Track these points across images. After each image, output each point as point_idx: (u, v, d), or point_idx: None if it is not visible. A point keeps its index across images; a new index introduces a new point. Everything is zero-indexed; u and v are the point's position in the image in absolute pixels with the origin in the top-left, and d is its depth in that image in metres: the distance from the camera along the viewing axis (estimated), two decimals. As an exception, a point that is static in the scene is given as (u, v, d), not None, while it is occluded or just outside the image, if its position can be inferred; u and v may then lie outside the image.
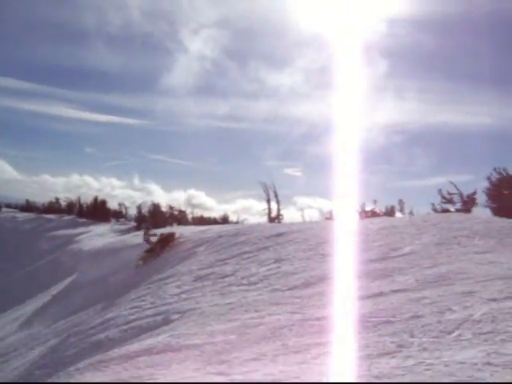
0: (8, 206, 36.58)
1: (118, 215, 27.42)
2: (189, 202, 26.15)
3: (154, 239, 14.67)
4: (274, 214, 17.97)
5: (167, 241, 13.99)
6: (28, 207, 34.69)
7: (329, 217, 16.44)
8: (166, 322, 5.89)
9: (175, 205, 23.61)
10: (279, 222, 17.34)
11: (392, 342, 3.58)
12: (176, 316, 5.90)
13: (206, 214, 24.55)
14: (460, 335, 3.59)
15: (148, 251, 13.97)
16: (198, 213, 24.25)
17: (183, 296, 6.85)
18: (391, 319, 4.15)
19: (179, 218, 22.72)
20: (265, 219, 18.32)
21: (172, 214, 22.76)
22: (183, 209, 23.68)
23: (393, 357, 3.29)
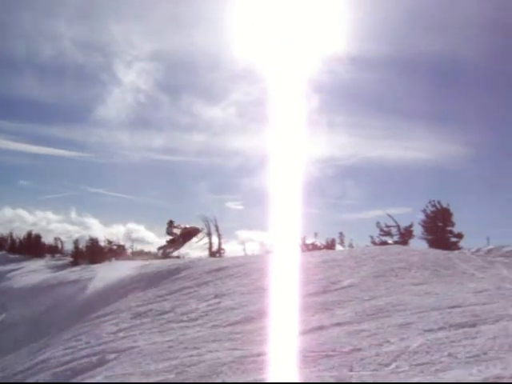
0: None
1: (54, 250, 26.39)
2: (128, 236, 25.58)
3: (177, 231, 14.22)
4: (215, 248, 17.84)
5: (190, 234, 13.67)
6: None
7: (270, 251, 16.49)
8: (102, 362, 5.64)
9: (114, 239, 23.00)
10: (220, 256, 17.22)
11: (331, 377, 3.58)
12: (112, 356, 5.66)
13: (147, 249, 24.04)
14: (397, 367, 3.63)
15: (170, 241, 13.54)
16: (138, 247, 23.71)
17: (120, 334, 6.60)
18: (331, 353, 4.15)
19: (118, 252, 22.12)
20: (206, 253, 18.16)
21: (111, 249, 22.13)
22: (122, 243, 23.09)
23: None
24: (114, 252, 21.95)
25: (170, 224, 15.58)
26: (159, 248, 13.07)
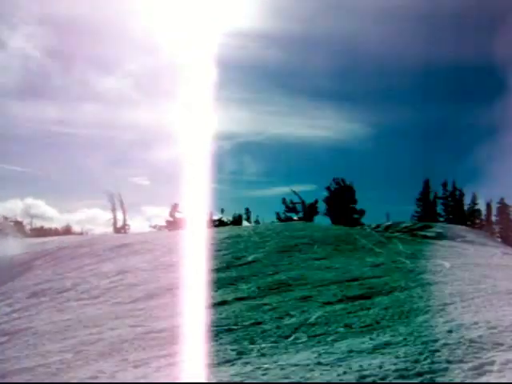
0: None
1: None
2: (27, 212, 24.26)
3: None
4: (120, 224, 17.42)
5: None
6: None
7: (176, 226, 16.37)
8: (-6, 344, 5.34)
9: (11, 215, 21.77)
10: (125, 232, 16.86)
11: (233, 350, 3.63)
12: (5, 338, 5.37)
13: (47, 225, 23.01)
14: (296, 339, 3.76)
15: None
16: (38, 223, 22.64)
17: (15, 315, 6.28)
18: (233, 327, 4.21)
19: (15, 229, 20.97)
20: (111, 230, 17.70)
21: (7, 226, 20.94)
22: (20, 219, 21.92)
23: (233, 364, 3.32)
24: (10, 229, 20.79)
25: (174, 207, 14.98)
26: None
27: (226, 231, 10.42)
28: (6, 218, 20.95)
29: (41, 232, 20.92)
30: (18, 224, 21.32)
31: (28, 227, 21.55)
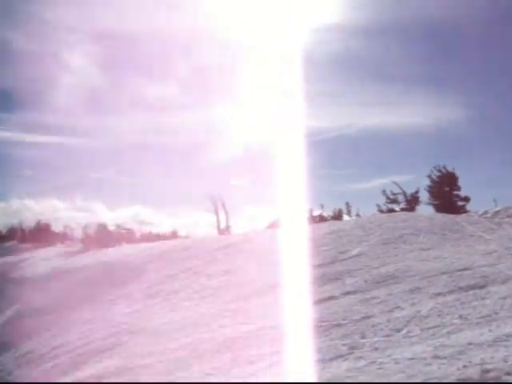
0: None
1: (64, 238, 26.60)
2: (136, 219, 25.67)
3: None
4: (223, 225, 17.91)
5: None
6: (-34, 236, 33.16)
7: (277, 225, 16.53)
8: (118, 343, 5.72)
9: (122, 223, 23.12)
10: (229, 233, 17.29)
11: (344, 345, 3.60)
12: (127, 337, 5.74)
13: (154, 230, 24.18)
14: (409, 332, 3.65)
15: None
16: (146, 229, 23.85)
17: (134, 315, 6.69)
18: (342, 322, 4.18)
19: (127, 236, 22.27)
20: (215, 231, 18.24)
21: (120, 233, 22.28)
22: (130, 226, 23.22)
23: (345, 359, 3.30)
24: (123, 236, 22.10)
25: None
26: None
27: (328, 226, 10.36)
28: (118, 226, 22.25)
29: (150, 237, 22.04)
30: (130, 230, 22.58)
31: (138, 233, 22.76)
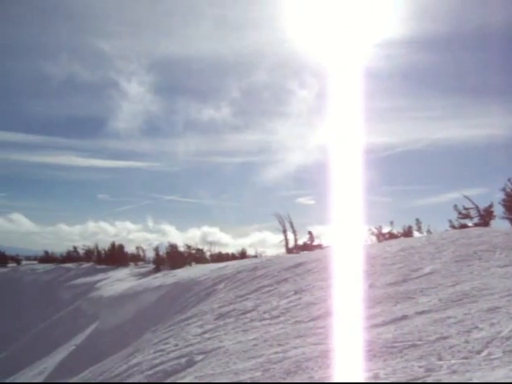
0: (27, 258, 37.01)
1: (136, 259, 27.46)
2: (204, 240, 26.06)
3: None
4: (291, 244, 17.87)
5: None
6: (47, 258, 34.97)
7: (346, 243, 16.33)
8: (191, 363, 5.83)
9: (191, 243, 23.58)
10: (297, 252, 17.24)
11: (420, 367, 3.51)
12: (200, 357, 5.83)
13: (223, 250, 24.49)
14: (489, 354, 3.51)
15: None
16: (215, 249, 24.19)
17: (206, 336, 6.78)
18: (417, 342, 4.07)
19: (197, 256, 22.68)
20: (283, 250, 18.22)
21: (190, 254, 22.72)
22: (200, 247, 23.64)
23: (422, 382, 3.22)
24: (193, 256, 22.52)
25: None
26: None
27: (398, 243, 10.13)
28: (188, 247, 22.72)
29: (219, 257, 22.32)
30: (199, 251, 22.98)
31: (208, 253, 23.13)
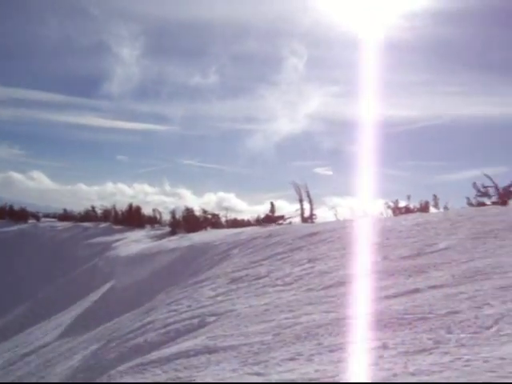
0: (46, 215, 37.65)
1: (153, 221, 27.72)
2: (219, 205, 26.19)
3: None
4: (306, 214, 17.90)
5: None
6: (65, 216, 35.49)
7: (361, 215, 16.30)
8: (203, 324, 5.95)
9: (207, 208, 23.71)
10: (312, 222, 17.28)
11: (429, 339, 3.55)
12: (212, 318, 5.95)
13: (238, 217, 24.59)
14: (499, 330, 3.53)
15: None
16: (231, 215, 24.31)
17: (219, 298, 6.91)
18: (427, 315, 4.11)
19: (213, 221, 22.84)
20: (298, 220, 18.26)
21: (206, 218, 22.89)
22: (216, 212, 23.78)
23: (430, 353, 3.26)
24: (209, 221, 22.69)
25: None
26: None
27: (414, 218, 10.10)
28: (205, 211, 22.87)
29: (235, 223, 22.46)
30: (215, 216, 23.13)
31: (224, 219, 23.26)
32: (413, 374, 2.93)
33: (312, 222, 16.92)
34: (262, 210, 20.91)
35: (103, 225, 29.64)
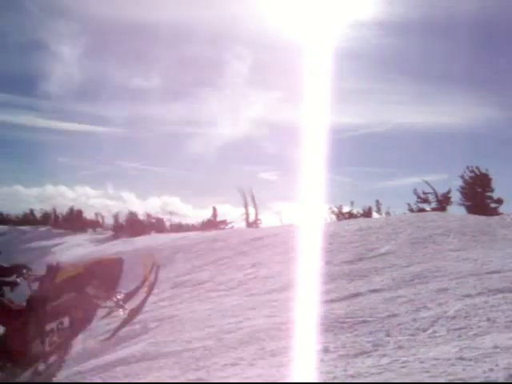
0: (-20, 219, 36.02)
1: (95, 225, 27.07)
2: (164, 209, 25.87)
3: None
4: (251, 218, 17.94)
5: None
6: (1, 219, 34.08)
7: (306, 220, 16.49)
8: (145, 330, 5.84)
9: (152, 213, 23.39)
10: (257, 226, 17.33)
11: (368, 342, 3.61)
12: (154, 324, 5.85)
13: (183, 221, 24.35)
14: (435, 332, 3.64)
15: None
16: (175, 220, 24.06)
17: (161, 304, 6.80)
18: (368, 319, 4.18)
19: (157, 225, 22.52)
20: (243, 224, 18.28)
21: (150, 222, 22.56)
22: (160, 216, 23.48)
23: (369, 356, 3.32)
24: (153, 225, 22.36)
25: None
26: None
27: (357, 223, 10.30)
28: (149, 215, 22.53)
29: (179, 228, 22.23)
30: (159, 220, 22.83)
31: (168, 223, 23.00)
32: (352, 377, 2.96)
33: (257, 227, 16.98)
34: (207, 214, 20.83)
35: (42, 228, 28.65)
